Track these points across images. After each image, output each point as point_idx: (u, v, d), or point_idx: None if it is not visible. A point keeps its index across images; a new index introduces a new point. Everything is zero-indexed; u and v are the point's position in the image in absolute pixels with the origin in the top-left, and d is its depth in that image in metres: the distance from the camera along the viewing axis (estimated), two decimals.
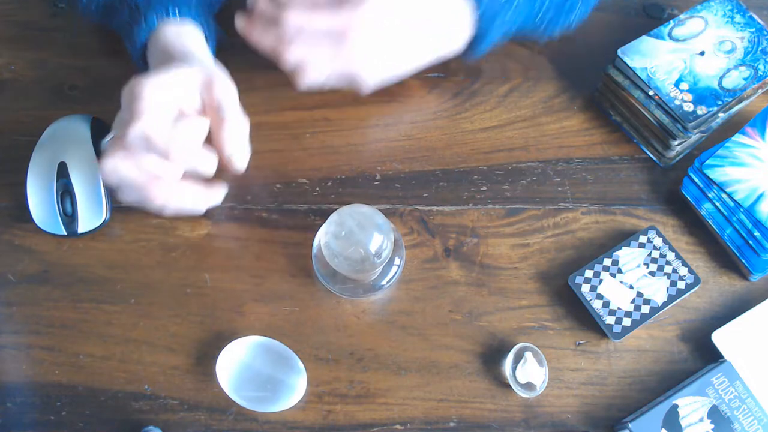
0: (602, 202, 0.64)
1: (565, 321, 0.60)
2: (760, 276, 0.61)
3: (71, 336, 0.59)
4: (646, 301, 0.59)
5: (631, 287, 0.59)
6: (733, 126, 0.64)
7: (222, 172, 0.64)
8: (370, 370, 0.58)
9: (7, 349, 0.58)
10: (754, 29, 0.64)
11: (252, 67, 0.69)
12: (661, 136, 0.63)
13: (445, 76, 0.69)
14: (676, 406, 0.54)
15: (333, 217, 0.54)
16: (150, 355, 0.58)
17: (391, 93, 0.68)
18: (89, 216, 0.61)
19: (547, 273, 0.61)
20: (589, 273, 0.60)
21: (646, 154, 0.66)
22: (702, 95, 0.62)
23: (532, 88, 0.69)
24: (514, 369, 0.57)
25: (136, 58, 0.61)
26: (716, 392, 0.55)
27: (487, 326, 0.59)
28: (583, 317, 0.59)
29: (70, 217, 0.60)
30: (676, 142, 0.62)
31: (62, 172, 0.60)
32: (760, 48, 0.64)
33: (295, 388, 0.56)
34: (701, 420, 0.54)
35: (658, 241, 0.61)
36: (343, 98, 0.68)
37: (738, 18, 0.65)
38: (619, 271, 0.60)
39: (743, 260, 0.60)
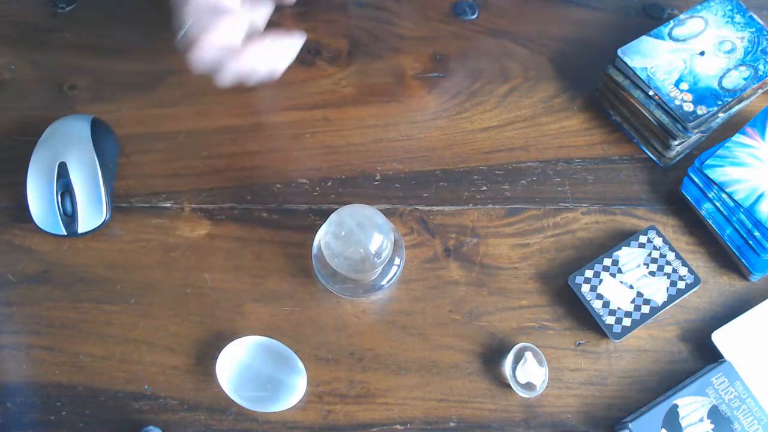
0: (602, 202, 0.64)
1: (565, 321, 0.60)
2: (760, 276, 0.61)
3: (71, 336, 0.59)
4: (646, 301, 0.59)
5: (631, 287, 0.59)
6: (733, 126, 0.64)
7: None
8: (370, 370, 0.58)
9: (7, 349, 0.58)
10: (754, 29, 0.64)
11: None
12: (661, 136, 0.63)
13: (445, 76, 0.69)
14: (676, 406, 0.54)
15: (333, 217, 0.54)
16: (150, 355, 0.58)
17: (391, 93, 0.68)
18: (89, 216, 0.61)
19: (547, 273, 0.61)
20: (589, 273, 0.60)
21: (646, 154, 0.66)
22: (702, 95, 0.62)
23: (532, 88, 0.69)
24: (514, 369, 0.57)
25: None
26: (716, 392, 0.55)
27: (487, 326, 0.59)
28: (583, 317, 0.59)
29: (70, 217, 0.60)
30: (676, 142, 0.62)
31: (62, 172, 0.60)
32: (760, 48, 0.64)
33: (295, 388, 0.56)
34: (701, 420, 0.54)
35: (658, 241, 0.61)
36: (343, 98, 0.68)
37: (738, 18, 0.65)
38: (619, 271, 0.60)
39: (743, 260, 0.60)
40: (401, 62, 0.70)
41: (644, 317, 0.58)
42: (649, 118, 0.63)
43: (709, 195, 0.61)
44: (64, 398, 0.57)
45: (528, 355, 0.57)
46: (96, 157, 0.61)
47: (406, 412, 0.57)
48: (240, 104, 0.67)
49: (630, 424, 0.54)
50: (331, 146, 0.66)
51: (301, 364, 0.57)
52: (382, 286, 0.59)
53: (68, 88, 0.68)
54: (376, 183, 0.65)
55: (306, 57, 0.70)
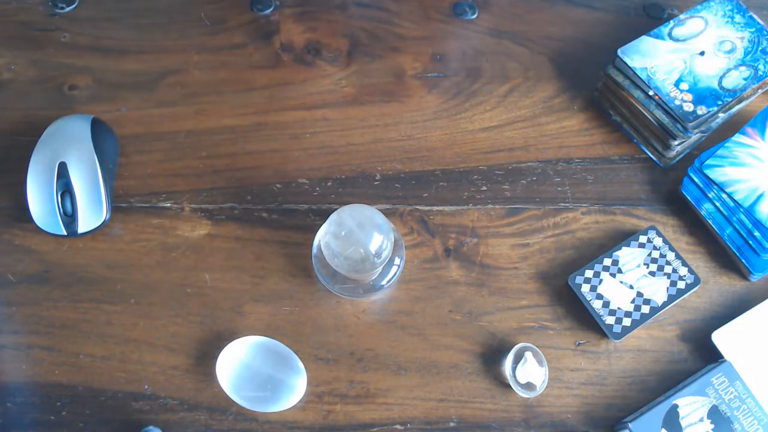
0: (602, 202, 0.64)
1: (565, 321, 0.60)
2: (760, 276, 0.61)
3: (71, 336, 0.59)
4: (646, 301, 0.59)
5: (631, 287, 0.59)
6: (733, 126, 0.64)
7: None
8: (370, 370, 0.58)
9: (7, 349, 0.58)
10: (754, 29, 0.64)
11: (252, 67, 0.69)
12: (661, 136, 0.63)
13: (445, 76, 0.69)
14: (676, 406, 0.54)
15: (333, 217, 0.54)
16: (150, 355, 0.58)
17: (391, 93, 0.68)
18: (89, 216, 0.61)
19: (547, 273, 0.61)
20: (589, 273, 0.60)
21: (646, 154, 0.66)
22: (702, 95, 0.62)
23: (532, 88, 0.69)
24: (514, 369, 0.57)
25: None
26: (716, 392, 0.55)
27: (487, 326, 0.59)
28: (583, 317, 0.59)
29: (70, 217, 0.60)
30: (676, 142, 0.62)
31: (62, 172, 0.60)
32: (760, 48, 0.64)
33: (295, 388, 0.56)
34: (701, 420, 0.54)
35: (658, 241, 0.61)
36: (343, 98, 0.68)
37: (738, 18, 0.65)
38: (619, 271, 0.60)
39: (743, 260, 0.60)
40: (401, 62, 0.70)
41: (644, 317, 0.58)
42: (649, 118, 0.63)
43: (709, 195, 0.61)
44: (64, 398, 0.57)
45: (528, 355, 0.57)
46: (96, 157, 0.61)
47: (406, 412, 0.57)
48: (240, 104, 0.67)
49: (630, 424, 0.54)
50: (331, 146, 0.66)
51: (301, 364, 0.57)
52: (382, 286, 0.58)
53: (68, 88, 0.68)
54: (376, 183, 0.65)
55: (306, 57, 0.70)
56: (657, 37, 0.64)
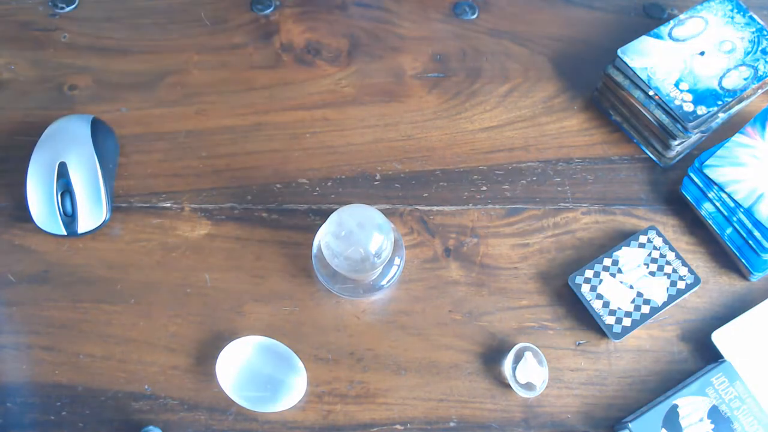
0: (602, 202, 0.64)
1: (565, 321, 0.60)
2: (760, 276, 0.61)
3: (71, 336, 0.59)
4: (646, 301, 0.59)
5: (631, 287, 0.59)
6: (733, 126, 0.64)
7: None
8: (370, 370, 0.58)
9: (7, 349, 0.58)
10: (754, 29, 0.64)
11: (252, 67, 0.69)
12: (661, 136, 0.63)
13: (445, 76, 0.69)
14: (676, 406, 0.54)
15: (333, 217, 0.54)
16: (150, 355, 0.58)
17: (391, 93, 0.68)
18: (89, 216, 0.61)
19: (547, 273, 0.61)
20: (589, 273, 0.60)
21: (646, 154, 0.66)
22: (702, 95, 0.62)
23: (532, 88, 0.69)
24: (514, 369, 0.57)
25: None
26: (716, 392, 0.55)
27: (487, 326, 0.59)
28: (583, 317, 0.59)
29: (70, 217, 0.60)
30: (676, 142, 0.62)
31: (62, 172, 0.60)
32: (760, 48, 0.64)
33: (295, 388, 0.56)
34: (701, 420, 0.54)
35: (658, 241, 0.61)
36: (343, 98, 0.68)
37: (738, 18, 0.65)
38: (619, 271, 0.60)
39: (743, 260, 0.60)
40: (401, 62, 0.70)
41: (644, 317, 0.58)
42: (649, 118, 0.63)
43: (709, 195, 0.61)
44: (64, 398, 0.57)
45: (528, 355, 0.57)
46: (96, 157, 0.61)
47: (406, 412, 0.57)
48: (240, 104, 0.67)
49: (630, 424, 0.54)
50: (331, 146, 0.66)
51: (301, 364, 0.57)
52: (382, 286, 0.58)
53: (68, 88, 0.68)
54: (376, 183, 0.65)
55: (306, 57, 0.70)
56: (657, 37, 0.64)
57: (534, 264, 0.61)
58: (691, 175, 0.62)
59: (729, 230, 0.60)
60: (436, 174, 0.65)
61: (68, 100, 0.68)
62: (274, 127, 0.67)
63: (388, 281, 0.59)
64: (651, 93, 0.62)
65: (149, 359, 0.58)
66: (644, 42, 0.64)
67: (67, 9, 0.72)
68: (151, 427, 0.55)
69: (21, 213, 0.62)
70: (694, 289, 0.60)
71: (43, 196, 0.60)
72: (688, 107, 0.61)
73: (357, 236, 0.53)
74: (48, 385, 0.57)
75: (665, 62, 0.63)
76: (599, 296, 0.59)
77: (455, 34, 0.71)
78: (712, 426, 0.54)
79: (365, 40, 0.71)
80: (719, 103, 0.61)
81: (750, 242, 0.59)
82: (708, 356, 0.58)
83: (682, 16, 0.65)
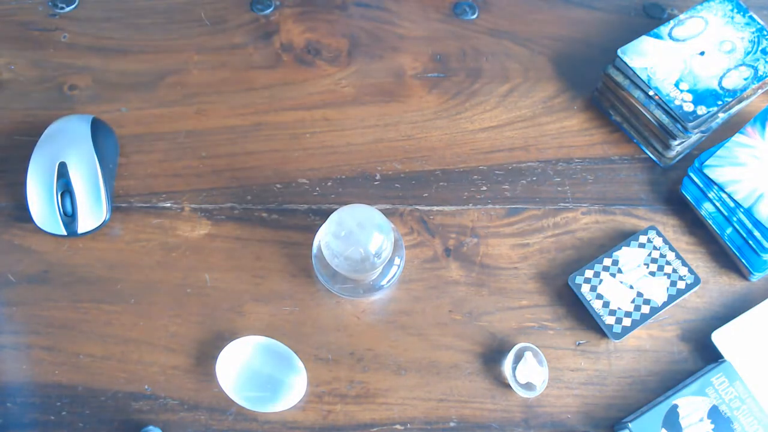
0: (602, 202, 0.64)
1: (565, 321, 0.60)
2: (760, 276, 0.61)
3: (71, 336, 0.59)
4: (646, 301, 0.59)
5: (631, 287, 0.59)
6: (733, 126, 0.64)
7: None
8: (370, 370, 0.58)
9: (7, 349, 0.58)
10: (754, 29, 0.64)
11: (252, 67, 0.69)
12: (661, 136, 0.63)
13: (445, 76, 0.69)
14: (676, 406, 0.54)
15: (333, 217, 0.54)
16: (150, 355, 0.58)
17: (391, 93, 0.68)
18: (89, 216, 0.61)
19: (547, 273, 0.61)
20: (589, 273, 0.60)
21: (646, 154, 0.66)
22: (702, 95, 0.62)
23: (532, 88, 0.69)
24: (514, 369, 0.57)
25: None
26: (716, 392, 0.55)
27: (487, 326, 0.59)
28: (583, 317, 0.59)
29: (70, 217, 0.60)
30: (676, 142, 0.62)
31: (62, 172, 0.60)
32: (760, 48, 0.64)
33: (295, 388, 0.56)
34: (701, 420, 0.54)
35: (658, 241, 0.61)
36: (343, 98, 0.68)
37: (738, 18, 0.65)
38: (619, 271, 0.60)
39: (743, 260, 0.60)
40: (401, 62, 0.70)
41: (644, 317, 0.58)
42: (649, 118, 0.63)
43: (709, 195, 0.61)
44: (64, 398, 0.57)
45: (528, 355, 0.57)
46: (96, 157, 0.61)
47: (406, 412, 0.57)
48: (240, 104, 0.67)
49: (630, 424, 0.54)
50: (331, 146, 0.66)
51: (301, 364, 0.57)
52: (382, 286, 0.58)
53: (68, 88, 0.68)
54: (376, 183, 0.65)
55: (306, 57, 0.70)
56: (657, 37, 0.64)
57: (534, 264, 0.61)
58: (691, 175, 0.62)
59: (729, 230, 0.60)
60: (436, 174, 0.65)
61: (68, 100, 0.68)
62: (274, 127, 0.67)
63: (388, 281, 0.59)
64: (651, 93, 0.62)
65: (149, 359, 0.58)
66: (644, 42, 0.64)
67: (67, 9, 0.72)
68: (151, 427, 0.55)
69: (21, 213, 0.62)
70: (694, 289, 0.60)
71: (43, 196, 0.60)
72: (688, 107, 0.61)
73: (357, 236, 0.53)
74: (48, 385, 0.57)
75: (665, 62, 0.63)
76: (599, 296, 0.59)
77: (455, 34, 0.71)
78: (712, 426, 0.54)
79: (365, 40, 0.71)
80: (719, 103, 0.61)
81: (750, 242, 0.59)
82: (708, 356, 0.58)
83: (682, 16, 0.65)
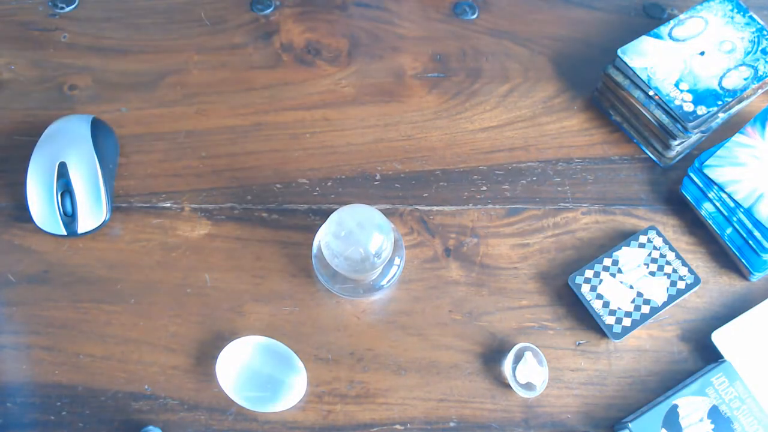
0: (602, 202, 0.64)
1: (565, 321, 0.60)
2: (760, 276, 0.61)
3: (71, 336, 0.59)
4: (646, 301, 0.59)
5: (631, 287, 0.59)
6: (733, 126, 0.64)
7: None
8: (370, 370, 0.58)
9: (7, 349, 0.58)
10: (754, 29, 0.64)
11: (252, 67, 0.69)
12: (661, 136, 0.63)
13: (445, 76, 0.69)
14: (676, 406, 0.54)
15: (333, 217, 0.54)
16: (150, 355, 0.58)
17: (391, 93, 0.68)
18: (89, 216, 0.61)
19: (547, 273, 0.61)
20: (589, 273, 0.60)
21: (646, 154, 0.66)
22: (702, 95, 0.62)
23: (532, 88, 0.69)
24: (514, 369, 0.57)
25: None
26: (716, 392, 0.55)
27: (487, 326, 0.59)
28: (583, 317, 0.59)
29: (70, 217, 0.60)
30: (676, 142, 0.62)
31: (62, 172, 0.60)
32: (760, 48, 0.64)
33: (295, 388, 0.56)
34: (701, 420, 0.54)
35: (658, 241, 0.61)
36: (343, 98, 0.68)
37: (738, 18, 0.65)
38: (619, 271, 0.60)
39: (743, 260, 0.60)
40: (401, 62, 0.70)
41: (644, 317, 0.58)
42: (649, 118, 0.63)
43: (709, 195, 0.61)
44: (64, 398, 0.57)
45: (528, 355, 0.57)
46: (96, 157, 0.61)
47: (406, 412, 0.57)
48: (240, 104, 0.67)
49: (630, 424, 0.54)
50: (331, 146, 0.66)
51: (301, 364, 0.57)
52: (382, 286, 0.58)
53: (68, 88, 0.68)
54: (376, 183, 0.65)
55: (306, 57, 0.70)
56: (657, 37, 0.64)
57: (534, 264, 0.61)
58: (691, 175, 0.62)
59: (729, 230, 0.60)
60: (436, 174, 0.65)
61: (68, 100, 0.68)
62: (274, 127, 0.67)
63: (388, 281, 0.59)
64: (651, 93, 0.62)
65: (149, 359, 0.58)
66: (644, 42, 0.64)
67: (67, 9, 0.72)
68: (151, 427, 0.55)
69: (21, 213, 0.62)
70: (694, 289, 0.60)
71: (43, 196, 0.60)
72: (688, 107, 0.61)
73: (357, 236, 0.53)
74: (48, 385, 0.57)
75: (665, 62, 0.63)
76: (599, 296, 0.59)
77: (455, 34, 0.71)
78: (712, 426, 0.54)
79: (365, 40, 0.71)
80: (719, 103, 0.61)
81: (750, 242, 0.59)
82: (708, 356, 0.58)
83: (682, 16, 0.65)
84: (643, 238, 0.61)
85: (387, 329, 0.59)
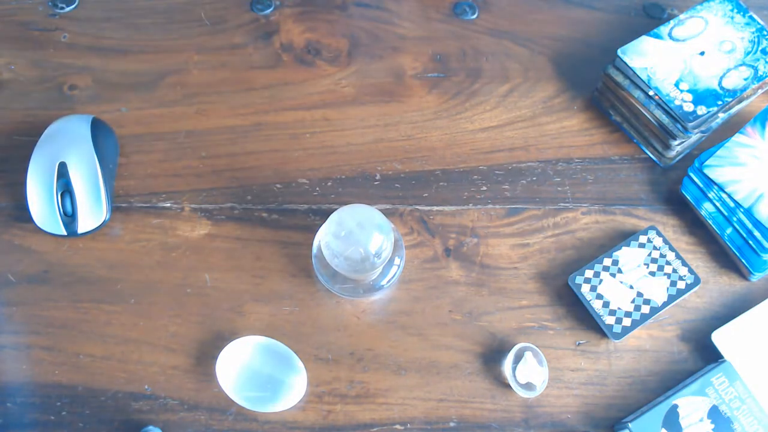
0: (602, 202, 0.64)
1: (565, 321, 0.60)
2: (760, 276, 0.61)
3: (71, 336, 0.59)
4: (646, 301, 0.59)
5: (631, 287, 0.59)
6: (733, 126, 0.64)
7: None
8: (370, 370, 0.58)
9: (7, 349, 0.58)
10: (754, 29, 0.64)
11: (252, 67, 0.69)
12: (661, 136, 0.63)
13: (445, 76, 0.69)
14: (676, 406, 0.54)
15: (333, 217, 0.54)
16: (150, 355, 0.58)
17: (391, 93, 0.68)
18: (89, 216, 0.61)
19: (547, 273, 0.61)
20: (589, 273, 0.60)
21: (646, 154, 0.66)
22: (702, 95, 0.62)
23: (532, 88, 0.69)
24: (514, 369, 0.57)
25: None
26: (716, 392, 0.55)
27: (487, 326, 0.59)
28: (583, 317, 0.59)
29: (70, 217, 0.60)
30: (676, 142, 0.62)
31: (62, 172, 0.60)
32: (760, 48, 0.64)
33: (295, 388, 0.56)
34: (701, 420, 0.54)
35: (658, 241, 0.61)
36: (343, 98, 0.68)
37: (738, 18, 0.65)
38: (619, 271, 0.60)
39: (743, 260, 0.60)
40: (401, 62, 0.70)
41: (644, 317, 0.58)
42: (649, 118, 0.63)
43: (709, 195, 0.61)
44: (64, 398, 0.57)
45: (528, 355, 0.57)
46: (96, 157, 0.61)
47: (406, 412, 0.57)
48: (240, 104, 0.67)
49: (630, 424, 0.54)
50: (331, 146, 0.66)
51: (301, 364, 0.57)
52: (382, 286, 0.58)
53: (68, 88, 0.68)
54: (376, 183, 0.65)
55: (306, 57, 0.70)
56: (657, 37, 0.64)
57: (534, 264, 0.61)
58: (691, 175, 0.62)
59: (729, 230, 0.60)
60: (436, 174, 0.65)
61: (68, 100, 0.68)
62: (274, 127, 0.67)
63: (388, 281, 0.59)
64: (651, 93, 0.62)
65: (149, 359, 0.58)
66: (644, 42, 0.64)
67: (67, 9, 0.72)
68: (151, 427, 0.55)
69: (21, 213, 0.62)
70: (694, 289, 0.60)
71: (43, 196, 0.60)
72: (688, 107, 0.61)
73: (357, 236, 0.53)
74: (48, 385, 0.57)
75: (665, 62, 0.63)
76: (599, 296, 0.59)
77: (455, 34, 0.71)
78: (712, 426, 0.54)
79: (365, 40, 0.71)
80: (719, 103, 0.61)
81: (750, 242, 0.59)
82: (708, 356, 0.58)
83: (682, 16, 0.65)
84: (643, 238, 0.61)
85: (387, 329, 0.59)
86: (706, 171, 0.60)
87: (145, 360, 0.58)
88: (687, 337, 0.59)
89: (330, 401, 0.57)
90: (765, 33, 0.64)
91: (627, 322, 0.58)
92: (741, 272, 0.61)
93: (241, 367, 0.56)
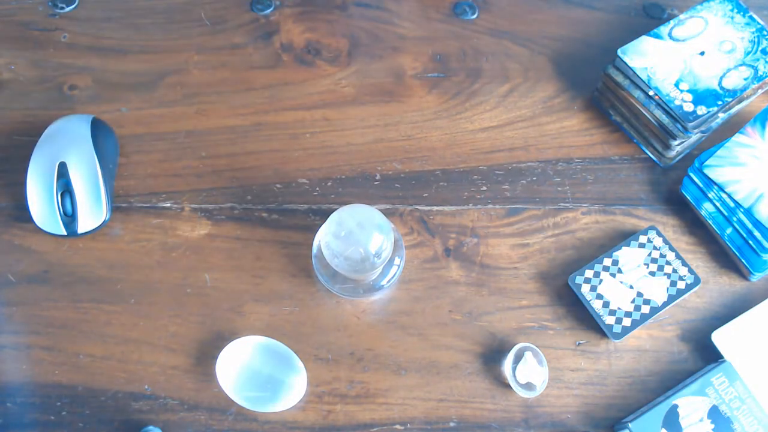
0: (602, 202, 0.64)
1: (565, 321, 0.60)
2: (760, 276, 0.61)
3: (71, 336, 0.59)
4: (646, 301, 0.59)
5: (631, 287, 0.59)
6: (733, 126, 0.64)
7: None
8: (370, 370, 0.58)
9: (7, 349, 0.58)
10: (754, 29, 0.64)
11: (252, 67, 0.69)
12: (661, 136, 0.63)
13: (445, 76, 0.69)
14: (676, 406, 0.54)
15: (333, 217, 0.54)
16: (150, 355, 0.58)
17: (391, 93, 0.68)
18: (89, 216, 0.61)
19: (547, 273, 0.61)
20: (589, 273, 0.60)
21: (646, 154, 0.66)
22: (702, 95, 0.62)
23: (532, 88, 0.69)
24: (514, 369, 0.57)
25: None
26: (716, 392, 0.55)
27: (487, 326, 0.59)
28: (583, 317, 0.59)
29: (70, 217, 0.60)
30: (676, 142, 0.62)
31: (62, 172, 0.60)
32: (760, 48, 0.64)
33: (295, 388, 0.56)
34: (701, 420, 0.54)
35: (658, 241, 0.61)
36: (343, 98, 0.68)
37: (738, 18, 0.65)
38: (619, 271, 0.60)
39: (743, 260, 0.60)
40: (401, 62, 0.70)
41: (644, 317, 0.58)
42: (649, 118, 0.63)
43: (709, 195, 0.61)
44: (64, 398, 0.57)
45: (528, 355, 0.57)
46: (96, 157, 0.61)
47: (406, 412, 0.57)
48: (240, 104, 0.68)
49: (630, 424, 0.54)
50: (331, 146, 0.66)
51: (301, 364, 0.57)
52: (382, 286, 0.58)
53: (68, 88, 0.68)
54: (376, 183, 0.65)
55: (306, 57, 0.70)
56: (657, 37, 0.64)
57: (534, 264, 0.61)
58: (691, 175, 0.62)
59: (729, 230, 0.60)
60: (436, 174, 0.65)
61: (68, 100, 0.68)
62: (274, 127, 0.67)
63: (388, 281, 0.59)
64: (651, 93, 0.62)
65: (149, 359, 0.58)
66: (644, 42, 0.64)
67: (67, 9, 0.72)
68: (151, 427, 0.55)
69: (21, 213, 0.62)
70: (694, 289, 0.60)
71: (43, 196, 0.60)
72: (688, 107, 0.61)
73: (357, 236, 0.53)
74: (48, 385, 0.57)
75: (665, 62, 0.63)
76: (599, 296, 0.59)
77: (455, 34, 0.71)
78: (712, 426, 0.54)
79: (365, 40, 0.71)
80: (719, 103, 0.61)
81: (750, 242, 0.59)
82: (708, 356, 0.58)
83: (682, 16, 0.65)
84: (643, 238, 0.61)
85: (387, 329, 0.59)
86: (706, 171, 0.60)
87: (145, 360, 0.58)
88: (687, 337, 0.59)
89: (330, 401, 0.57)
90: (765, 33, 0.64)
91: (627, 322, 0.58)
92: (741, 272, 0.61)
93: (241, 367, 0.56)
